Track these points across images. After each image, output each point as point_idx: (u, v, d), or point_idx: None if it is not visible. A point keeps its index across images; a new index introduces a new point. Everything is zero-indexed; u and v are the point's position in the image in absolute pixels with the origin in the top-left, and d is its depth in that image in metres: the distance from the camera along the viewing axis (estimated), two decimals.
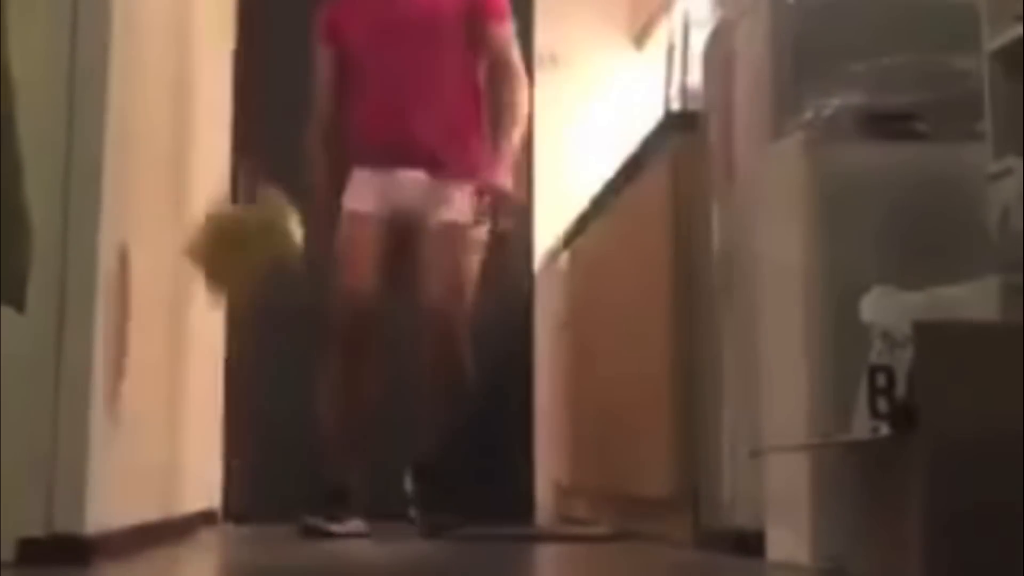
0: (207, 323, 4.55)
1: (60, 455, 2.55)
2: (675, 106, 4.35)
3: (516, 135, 4.01)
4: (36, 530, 2.51)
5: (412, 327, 3.96)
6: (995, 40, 2.26)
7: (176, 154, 3.72)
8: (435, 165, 3.97)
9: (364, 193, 4.00)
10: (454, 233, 3.92)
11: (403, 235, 3.96)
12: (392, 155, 3.99)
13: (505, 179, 3.91)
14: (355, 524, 3.85)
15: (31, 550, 2.48)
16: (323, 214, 4.02)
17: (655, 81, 4.80)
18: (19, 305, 1.87)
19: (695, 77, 3.73)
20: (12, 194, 1.84)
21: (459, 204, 3.94)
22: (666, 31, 4.79)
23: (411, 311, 3.95)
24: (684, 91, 4.29)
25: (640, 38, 5.38)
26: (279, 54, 5.29)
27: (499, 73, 4.07)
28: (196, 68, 4.10)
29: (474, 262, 3.98)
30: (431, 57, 3.99)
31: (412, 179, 3.98)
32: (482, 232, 3.97)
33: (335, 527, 3.78)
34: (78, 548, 2.54)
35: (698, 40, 3.73)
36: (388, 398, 4.16)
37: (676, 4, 4.65)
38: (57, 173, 2.61)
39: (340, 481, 3.92)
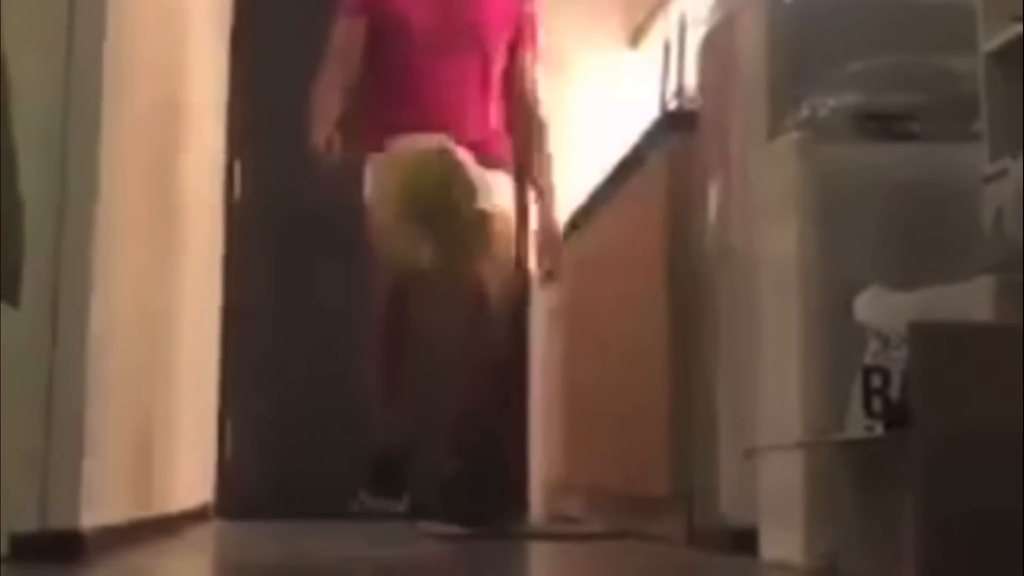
0: (202, 319, 4.55)
1: (54, 450, 2.55)
2: (671, 105, 4.34)
3: (551, 177, 4.07)
4: (30, 525, 2.51)
5: (450, 315, 3.95)
6: (991, 41, 2.26)
7: (172, 149, 3.72)
8: (476, 150, 3.91)
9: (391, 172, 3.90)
10: (494, 217, 3.91)
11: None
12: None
13: (557, 223, 4.02)
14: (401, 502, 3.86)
15: (25, 545, 2.48)
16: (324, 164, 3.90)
17: (651, 80, 4.80)
18: (14, 300, 1.87)
19: (691, 76, 3.73)
20: (6, 189, 1.83)
21: (502, 191, 3.95)
22: (662, 30, 4.80)
23: (449, 298, 3.94)
24: (680, 90, 4.29)
25: (636, 37, 5.38)
26: (278, 52, 5.29)
27: (527, 111, 4.09)
28: (192, 64, 4.10)
29: (511, 247, 3.98)
30: (477, 58, 3.98)
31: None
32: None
33: (390, 504, 3.81)
34: (72, 543, 2.54)
35: (694, 39, 3.73)
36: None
37: (672, 3, 4.65)
38: (52, 168, 2.61)
39: (389, 456, 3.90)
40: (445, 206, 3.83)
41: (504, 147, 4.02)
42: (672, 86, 4.46)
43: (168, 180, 3.66)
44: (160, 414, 3.56)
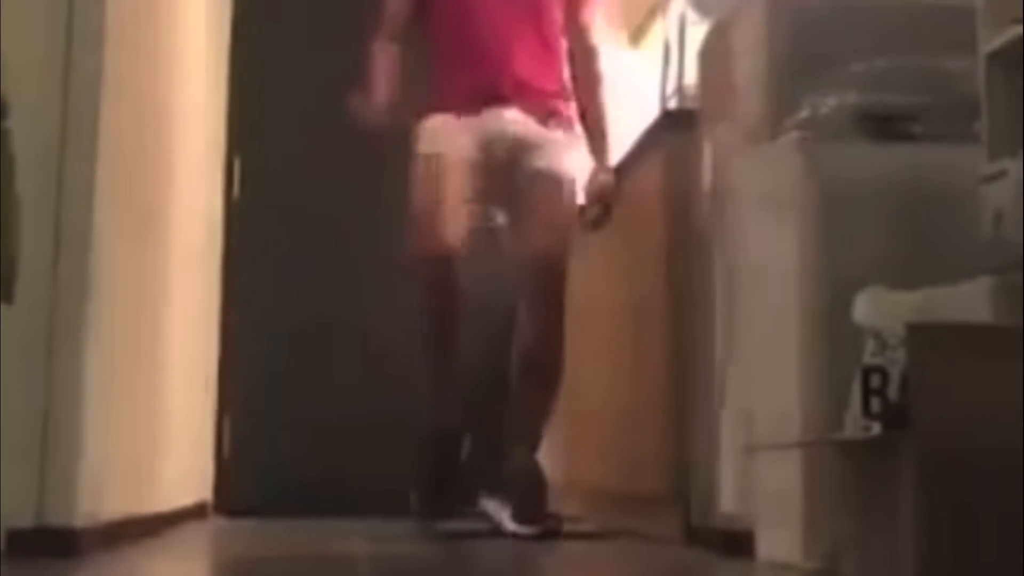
0: (200, 317, 4.55)
1: (51, 447, 2.55)
2: (671, 104, 4.34)
3: (607, 129, 3.91)
4: (26, 522, 2.51)
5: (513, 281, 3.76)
6: (992, 42, 2.26)
7: (171, 148, 3.72)
8: (532, 108, 3.79)
9: (451, 135, 3.73)
10: (560, 180, 3.75)
11: (501, 177, 3.75)
12: (488, 95, 3.77)
13: (609, 170, 3.83)
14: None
15: (21, 542, 2.48)
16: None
17: (652, 79, 4.80)
18: (8, 297, 1.87)
19: (691, 75, 3.73)
20: (3, 188, 1.83)
21: (563, 150, 3.80)
22: (663, 29, 4.79)
23: (513, 261, 3.76)
24: (680, 89, 4.28)
25: (636, 36, 5.38)
26: (278, 50, 5.29)
27: (583, 59, 3.94)
28: (192, 63, 4.10)
29: (573, 209, 3.81)
30: (538, 10, 3.84)
31: (506, 117, 3.78)
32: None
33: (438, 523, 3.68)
34: (68, 540, 2.54)
35: (695, 38, 3.73)
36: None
37: (672, 2, 4.65)
38: (49, 165, 2.61)
39: (443, 441, 3.76)
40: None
41: (569, 106, 3.87)
42: (672, 85, 4.46)
43: (167, 178, 3.65)
44: (157, 411, 3.56)
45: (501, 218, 3.80)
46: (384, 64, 3.83)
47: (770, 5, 2.83)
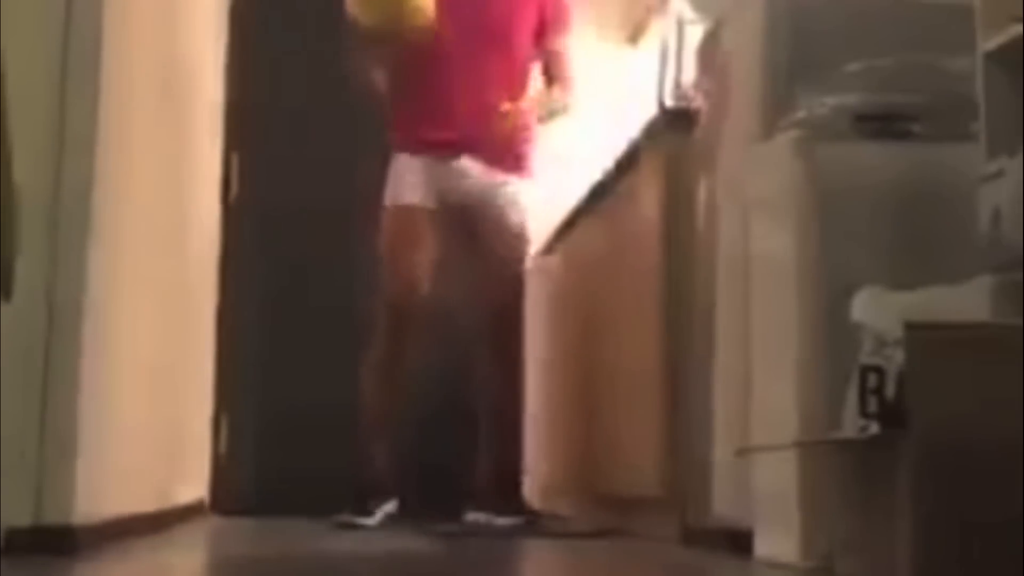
0: (198, 315, 4.54)
1: (48, 445, 2.55)
2: (669, 103, 4.34)
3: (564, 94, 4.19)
4: (24, 520, 2.51)
5: (467, 322, 4.16)
6: (990, 41, 2.26)
7: (168, 145, 3.71)
8: (497, 159, 4.04)
9: (414, 184, 4.02)
10: (512, 230, 4.07)
11: (462, 217, 4.01)
12: (449, 146, 4.01)
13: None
14: (387, 507, 4.00)
15: (18, 540, 2.48)
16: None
17: (650, 78, 4.79)
18: (6, 293, 1.86)
19: (690, 74, 3.73)
20: (2, 183, 1.83)
21: (515, 201, 4.08)
22: (662, 28, 4.79)
23: (465, 306, 4.06)
24: (678, 88, 4.28)
25: (635, 35, 5.38)
26: (277, 48, 5.29)
27: (554, 80, 4.21)
28: (190, 60, 4.09)
29: (525, 253, 4.16)
30: (499, 59, 4.04)
31: (475, 167, 4.04)
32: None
33: (366, 520, 3.91)
34: (65, 539, 2.54)
35: (693, 37, 3.72)
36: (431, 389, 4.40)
37: (670, 1, 4.64)
38: (48, 161, 2.61)
39: (369, 472, 4.04)
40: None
41: (529, 145, 4.11)
42: (670, 84, 4.46)
43: (164, 176, 3.65)
44: (155, 410, 3.56)
45: (457, 267, 4.08)
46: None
47: (768, 4, 2.83)
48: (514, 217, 4.08)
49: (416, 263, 3.96)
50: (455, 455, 4.55)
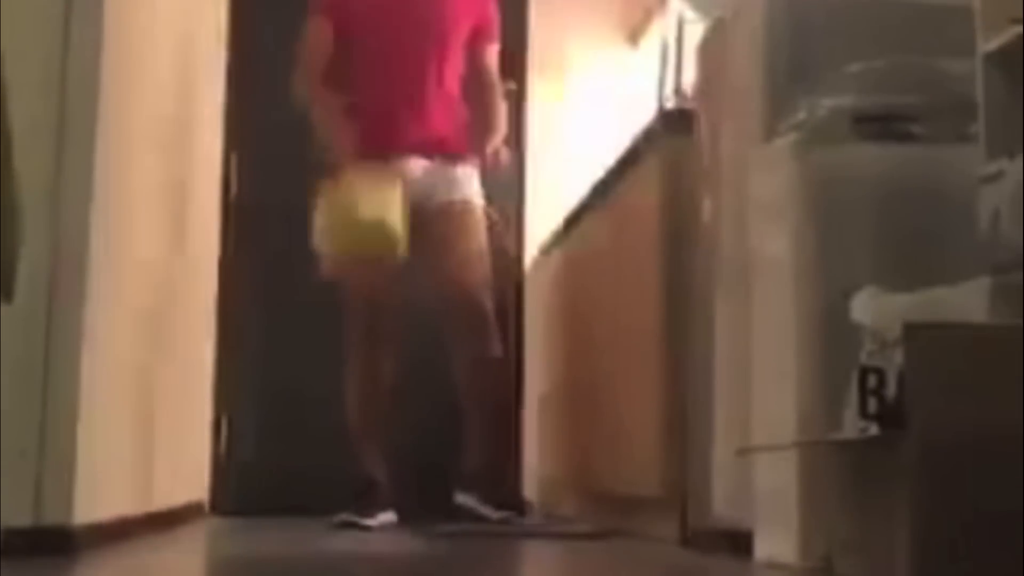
0: (198, 316, 4.55)
1: (48, 446, 2.55)
2: (669, 104, 4.34)
3: (499, 131, 4.26)
4: (23, 521, 2.51)
5: (437, 313, 4.11)
6: (990, 42, 2.26)
7: (168, 146, 3.72)
8: (439, 149, 4.13)
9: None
10: (463, 210, 4.11)
11: (415, 219, 4.02)
12: (398, 145, 4.10)
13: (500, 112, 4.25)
14: (386, 516, 4.02)
15: (18, 541, 2.48)
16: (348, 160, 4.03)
17: (650, 79, 4.80)
18: (7, 294, 1.86)
19: (689, 76, 3.73)
20: (3, 184, 1.83)
21: (464, 182, 4.15)
22: (661, 29, 4.79)
23: (435, 296, 4.09)
24: (678, 89, 4.28)
25: (635, 35, 5.38)
26: (275, 48, 5.28)
27: (485, 90, 4.30)
28: (190, 62, 4.10)
29: (484, 237, 4.16)
30: (435, 56, 4.17)
31: (418, 165, 4.12)
32: (484, 211, 4.20)
33: (368, 521, 3.93)
34: (65, 539, 2.54)
35: (693, 38, 3.73)
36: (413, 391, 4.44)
37: (670, 1, 4.65)
38: (48, 161, 2.61)
39: (368, 475, 4.08)
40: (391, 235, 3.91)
41: (467, 140, 4.20)
42: (669, 85, 4.46)
43: (164, 177, 3.65)
44: (155, 410, 3.56)
45: (419, 265, 4.07)
46: (331, 110, 4.13)
47: (768, 5, 2.83)
48: (461, 198, 4.13)
49: (378, 269, 4.00)
50: (445, 453, 4.54)
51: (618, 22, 5.48)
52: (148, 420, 3.45)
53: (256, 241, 5.18)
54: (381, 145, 4.08)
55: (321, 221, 3.89)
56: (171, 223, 3.76)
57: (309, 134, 5.15)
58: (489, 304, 4.09)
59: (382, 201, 3.83)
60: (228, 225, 5.15)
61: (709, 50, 3.24)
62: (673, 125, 3.39)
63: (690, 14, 4.15)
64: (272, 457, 5.03)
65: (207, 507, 4.91)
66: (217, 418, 5.07)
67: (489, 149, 4.17)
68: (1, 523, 2.46)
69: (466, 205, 4.13)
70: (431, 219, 4.07)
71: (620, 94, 5.28)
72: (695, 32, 3.69)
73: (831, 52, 2.67)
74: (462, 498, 4.09)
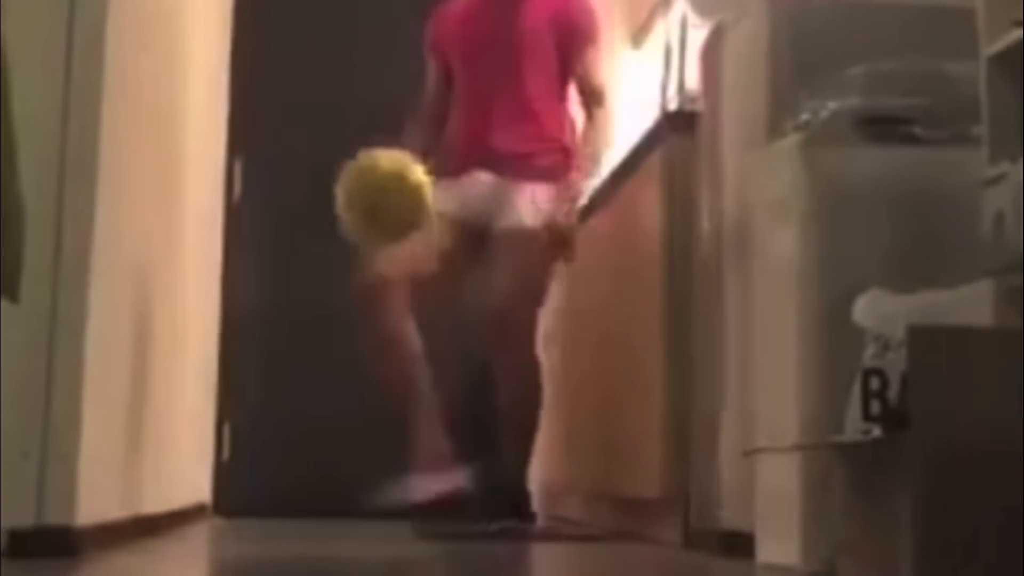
0: (201, 318, 4.55)
1: (51, 446, 2.55)
2: (672, 106, 4.34)
3: (593, 153, 4.05)
4: (26, 521, 2.51)
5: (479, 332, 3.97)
6: (993, 45, 2.26)
7: (172, 149, 3.72)
8: (504, 168, 3.97)
9: (444, 197, 3.89)
10: (520, 235, 3.90)
11: (474, 235, 3.95)
12: (470, 160, 4.01)
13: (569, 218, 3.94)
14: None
15: (21, 541, 2.48)
16: None
17: (653, 80, 4.80)
18: (13, 295, 1.86)
19: (692, 77, 3.73)
20: (6, 184, 1.83)
21: (525, 207, 3.92)
22: (665, 30, 4.79)
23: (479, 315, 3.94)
24: (681, 91, 4.28)
25: (638, 37, 5.38)
26: (279, 52, 5.29)
27: (583, 99, 4.12)
28: (193, 64, 4.10)
29: (540, 266, 3.94)
30: (519, 72, 4.02)
31: (481, 180, 3.99)
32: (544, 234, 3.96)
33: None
34: (67, 540, 2.54)
35: (696, 40, 3.73)
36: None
37: (674, 4, 4.64)
38: (52, 163, 2.61)
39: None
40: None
41: (555, 156, 4.01)
42: (672, 87, 4.46)
43: (167, 180, 3.66)
44: (158, 412, 3.56)
45: (475, 279, 3.95)
46: (412, 148, 3.88)
47: (771, 8, 2.84)
48: (524, 221, 3.93)
49: (416, 259, 3.87)
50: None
51: (621, 24, 5.47)
52: (151, 421, 3.45)
53: (258, 244, 5.19)
54: (456, 168, 4.00)
55: (341, 192, 3.76)
56: (174, 226, 3.76)
57: (312, 138, 5.19)
58: (530, 336, 3.93)
59: (402, 159, 3.72)
60: (231, 230, 5.15)
61: (713, 51, 3.24)
62: (676, 127, 3.39)
63: (693, 17, 4.15)
64: (274, 459, 5.03)
65: (210, 508, 4.91)
66: (220, 419, 5.07)
67: (575, 164, 4.00)
68: (3, 524, 2.46)
69: (522, 231, 3.89)
70: (485, 240, 3.95)
71: (623, 96, 5.27)
72: (698, 35, 3.69)
73: (834, 54, 2.67)
74: (496, 526, 3.90)
